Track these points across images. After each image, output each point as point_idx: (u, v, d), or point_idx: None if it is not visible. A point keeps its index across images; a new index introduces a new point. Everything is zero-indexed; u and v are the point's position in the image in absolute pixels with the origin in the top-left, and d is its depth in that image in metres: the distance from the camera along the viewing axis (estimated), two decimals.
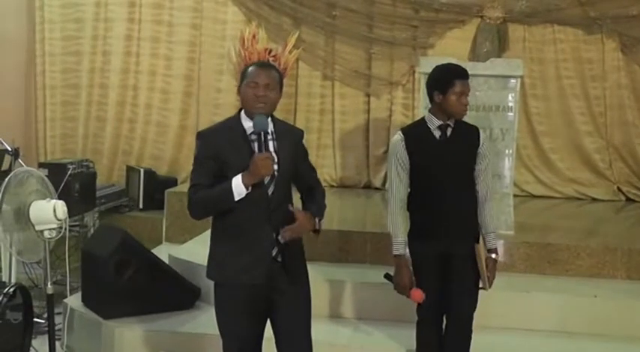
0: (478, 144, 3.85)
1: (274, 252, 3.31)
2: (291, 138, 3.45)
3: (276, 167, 3.29)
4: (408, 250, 3.85)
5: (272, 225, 3.29)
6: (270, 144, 3.33)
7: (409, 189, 3.88)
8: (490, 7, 7.95)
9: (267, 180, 3.27)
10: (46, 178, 4.29)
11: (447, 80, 3.77)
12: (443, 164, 3.76)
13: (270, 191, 3.29)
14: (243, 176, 3.17)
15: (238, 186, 3.17)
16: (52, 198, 4.15)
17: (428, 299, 3.79)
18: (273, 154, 3.30)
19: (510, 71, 5.71)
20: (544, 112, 8.10)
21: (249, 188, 3.18)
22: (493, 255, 3.86)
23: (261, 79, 3.29)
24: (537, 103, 8.09)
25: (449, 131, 3.81)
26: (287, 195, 3.38)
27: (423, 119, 3.89)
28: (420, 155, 3.80)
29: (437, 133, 3.81)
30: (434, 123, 3.81)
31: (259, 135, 3.27)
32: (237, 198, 3.18)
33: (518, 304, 4.82)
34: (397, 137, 3.87)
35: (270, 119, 3.35)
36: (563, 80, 8.03)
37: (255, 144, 3.28)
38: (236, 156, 3.24)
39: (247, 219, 3.28)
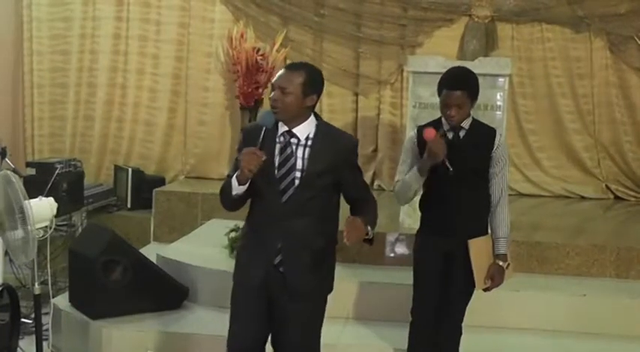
0: (492, 148, 3.72)
1: (276, 261, 3.24)
2: (332, 146, 3.24)
3: (298, 174, 3.19)
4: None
5: (281, 232, 3.20)
6: (300, 150, 3.21)
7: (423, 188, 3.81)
8: (478, 6, 7.96)
9: (282, 186, 3.19)
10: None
11: (439, 86, 3.71)
12: (453, 165, 3.61)
13: (284, 199, 3.20)
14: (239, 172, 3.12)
15: (235, 181, 3.14)
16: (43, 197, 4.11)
17: (425, 301, 3.80)
18: (300, 161, 3.19)
19: (499, 70, 5.67)
20: (532, 111, 8.13)
21: (245, 184, 3.11)
22: (500, 262, 3.73)
23: (276, 82, 3.20)
24: (526, 102, 8.11)
25: (462, 133, 3.72)
26: (311, 205, 3.21)
27: (440, 118, 3.77)
28: None
29: (450, 134, 3.71)
30: (446, 124, 3.72)
31: (285, 138, 3.21)
32: (234, 192, 3.15)
33: (508, 303, 4.82)
34: (412, 134, 3.87)
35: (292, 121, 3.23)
36: (551, 78, 8.06)
37: (278, 147, 3.21)
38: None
39: (260, 223, 3.27)
